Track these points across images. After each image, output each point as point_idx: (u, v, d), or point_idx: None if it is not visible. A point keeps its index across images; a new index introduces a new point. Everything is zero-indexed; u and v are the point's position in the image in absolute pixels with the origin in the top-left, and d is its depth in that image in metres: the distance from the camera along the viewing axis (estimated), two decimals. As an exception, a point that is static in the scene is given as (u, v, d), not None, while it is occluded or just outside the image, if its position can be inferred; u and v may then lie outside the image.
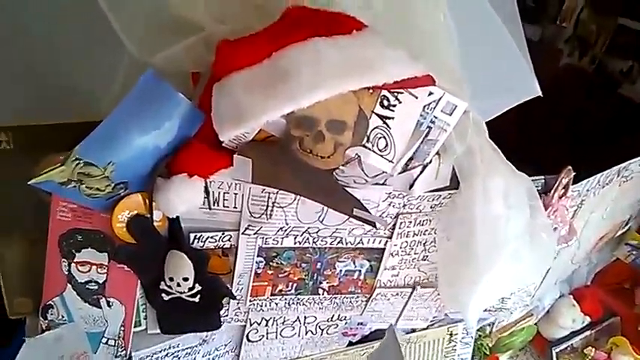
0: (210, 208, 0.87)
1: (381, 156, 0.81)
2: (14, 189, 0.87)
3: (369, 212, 0.85)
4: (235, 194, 0.86)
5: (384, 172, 0.83)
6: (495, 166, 0.90)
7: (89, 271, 0.89)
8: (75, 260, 0.88)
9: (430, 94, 0.82)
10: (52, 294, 0.90)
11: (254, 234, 0.89)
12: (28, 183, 0.75)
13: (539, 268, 1.10)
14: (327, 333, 1.09)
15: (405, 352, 1.18)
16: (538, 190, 1.41)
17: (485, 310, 1.18)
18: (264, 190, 0.86)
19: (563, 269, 1.82)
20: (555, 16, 3.27)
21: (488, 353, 1.73)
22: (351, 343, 1.15)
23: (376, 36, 0.78)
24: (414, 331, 1.17)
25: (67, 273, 0.89)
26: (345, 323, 1.08)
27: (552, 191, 1.35)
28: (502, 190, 0.90)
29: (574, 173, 1.35)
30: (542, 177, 1.40)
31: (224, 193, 0.86)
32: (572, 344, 2.00)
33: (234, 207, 0.87)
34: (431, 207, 0.94)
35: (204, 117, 0.81)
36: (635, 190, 1.77)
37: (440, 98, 0.82)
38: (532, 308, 1.95)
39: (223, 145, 0.82)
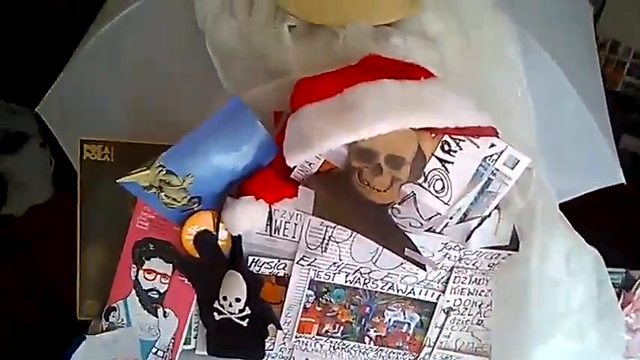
0: (271, 235, 0.92)
1: (437, 197, 0.83)
2: (106, 199, 0.99)
3: (421, 254, 0.85)
4: (296, 224, 0.91)
5: (438, 213, 0.84)
6: (558, 228, 0.88)
7: (154, 279, 0.96)
8: (143, 267, 0.96)
9: (492, 145, 0.84)
10: (117, 297, 0.98)
11: (307, 265, 0.92)
12: (117, 181, 0.85)
13: (607, 356, 1.00)
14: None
15: None
16: (618, 284, 1.33)
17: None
18: (322, 223, 0.90)
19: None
20: (665, 129, 3.16)
21: None
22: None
23: (444, 84, 0.83)
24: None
25: (134, 279, 0.96)
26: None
27: (635, 286, 1.27)
28: (563, 253, 0.87)
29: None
30: (624, 270, 1.32)
31: (285, 222, 0.91)
32: None
33: (293, 237, 0.92)
34: (489, 265, 0.92)
35: (278, 150, 0.88)
36: None
37: (502, 151, 0.84)
38: None
39: (291, 176, 0.89)
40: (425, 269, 0.87)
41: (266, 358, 1.01)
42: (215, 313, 0.95)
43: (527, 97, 1.03)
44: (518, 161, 0.85)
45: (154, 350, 0.98)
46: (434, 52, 0.96)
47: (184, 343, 0.99)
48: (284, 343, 1.00)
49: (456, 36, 1.00)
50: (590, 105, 1.30)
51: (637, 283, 1.25)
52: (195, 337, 0.99)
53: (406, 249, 0.86)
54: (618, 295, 1.25)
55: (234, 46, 1.01)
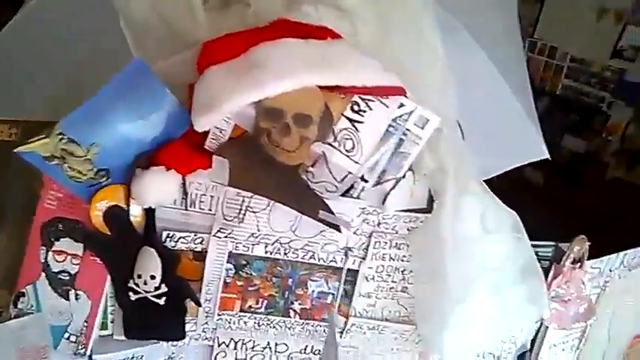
0: (186, 209, 0.90)
1: (348, 156, 0.83)
2: (13, 180, 0.94)
3: (335, 215, 0.84)
4: (212, 197, 0.89)
5: (350, 172, 0.83)
6: (472, 188, 0.89)
7: (64, 260, 0.92)
8: (53, 249, 0.92)
9: (402, 105, 0.84)
10: (26, 281, 0.93)
11: (225, 237, 0.90)
12: (14, 151, 0.81)
13: (531, 314, 1.01)
14: (300, 369, 1.03)
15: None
16: (549, 258, 1.35)
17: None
18: (238, 193, 0.88)
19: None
20: (600, 129, 3.29)
21: None
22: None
23: (350, 45, 0.84)
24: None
25: (43, 261, 0.92)
26: (319, 358, 1.02)
27: (564, 259, 1.29)
28: (478, 212, 0.88)
29: (589, 244, 1.29)
30: (554, 243, 1.34)
31: (201, 195, 0.89)
32: None
33: (209, 209, 0.89)
34: (408, 229, 0.92)
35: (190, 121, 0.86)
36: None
37: (412, 111, 0.85)
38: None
39: (205, 147, 0.87)
40: (340, 230, 0.86)
41: (189, 339, 0.97)
42: (130, 293, 0.91)
43: (447, 74, 1.05)
44: (428, 121, 0.85)
45: (66, 336, 0.93)
46: (347, 23, 0.96)
47: (101, 329, 0.94)
48: (206, 323, 0.96)
49: (372, 11, 1.01)
50: (515, 88, 1.34)
51: (566, 255, 1.28)
52: (112, 322, 0.95)
53: (320, 211, 0.85)
54: (549, 268, 1.28)
55: (148, 22, 0.99)
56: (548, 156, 1.32)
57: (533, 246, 1.34)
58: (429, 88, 0.99)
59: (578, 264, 1.31)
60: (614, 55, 3.09)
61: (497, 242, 0.90)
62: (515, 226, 0.94)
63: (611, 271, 1.39)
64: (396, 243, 0.93)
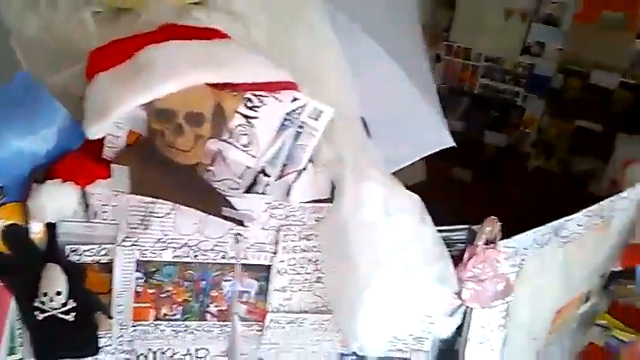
0: (88, 221, 0.88)
1: (245, 151, 0.84)
2: None
3: (236, 210, 0.86)
4: (114, 206, 0.88)
5: (248, 167, 0.85)
6: (372, 175, 0.92)
7: (-38, 285, 0.88)
8: (-50, 274, 0.87)
9: (295, 99, 0.87)
10: None
11: (131, 245, 0.89)
12: None
13: (442, 295, 1.05)
14: (225, 373, 1.02)
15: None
16: (463, 240, 1.41)
17: (399, 350, 1.11)
18: (141, 199, 0.87)
19: (523, 345, 1.72)
20: (518, 123, 3.45)
21: None
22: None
23: (239, 44, 0.86)
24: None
25: (-60, 291, 0.88)
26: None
27: (476, 239, 1.35)
28: (380, 197, 0.91)
29: (500, 224, 1.36)
30: (467, 226, 1.40)
31: (102, 205, 0.88)
32: None
33: (112, 219, 0.88)
34: (315, 220, 0.94)
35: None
36: (586, 260, 1.74)
37: (305, 104, 0.88)
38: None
39: (103, 156, 0.86)
40: (244, 225, 0.87)
41: (104, 354, 0.95)
42: (37, 313, 0.88)
43: (345, 70, 1.08)
44: (322, 112, 0.88)
45: (-29, 364, 0.89)
46: (239, 26, 0.98)
47: (10, 354, 0.91)
48: (121, 335, 0.95)
49: (264, 14, 1.04)
50: (418, 83, 1.40)
51: (478, 236, 1.34)
52: (22, 345, 0.91)
53: (223, 208, 0.85)
54: (463, 250, 1.33)
55: (40, 37, 0.99)
56: (453, 144, 1.39)
57: (448, 230, 1.40)
58: (327, 84, 1.02)
59: (492, 244, 1.38)
60: (523, 51, 3.26)
61: (401, 225, 0.93)
62: (418, 209, 0.97)
63: (525, 249, 1.47)
64: (305, 234, 0.95)
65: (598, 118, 3.04)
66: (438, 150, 1.38)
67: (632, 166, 1.86)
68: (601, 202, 1.65)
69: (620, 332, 1.95)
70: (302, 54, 1.03)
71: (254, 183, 0.89)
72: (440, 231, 1.36)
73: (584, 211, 1.60)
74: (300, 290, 0.99)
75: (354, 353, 1.07)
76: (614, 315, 1.98)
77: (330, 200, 0.94)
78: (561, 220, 1.52)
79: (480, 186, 3.56)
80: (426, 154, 1.36)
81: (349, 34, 1.20)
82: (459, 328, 1.59)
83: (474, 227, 1.38)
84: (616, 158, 2.79)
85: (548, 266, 1.58)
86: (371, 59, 1.26)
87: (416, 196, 1.00)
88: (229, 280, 0.95)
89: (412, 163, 3.58)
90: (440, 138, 1.36)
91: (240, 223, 0.87)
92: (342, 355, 1.07)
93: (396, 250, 0.93)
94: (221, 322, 0.98)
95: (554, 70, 3.16)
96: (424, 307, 1.04)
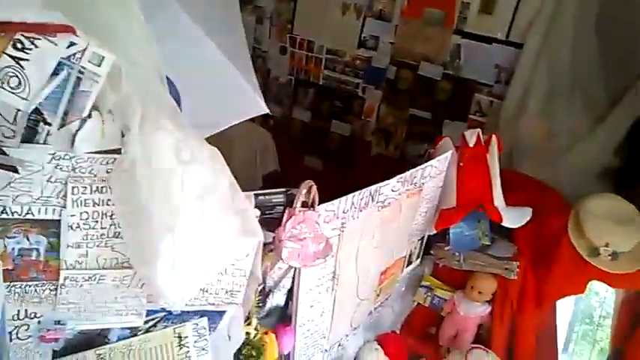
0: None
1: (14, 93, 0.81)
2: None
3: (7, 155, 0.82)
4: None
5: (18, 110, 0.82)
6: (163, 124, 0.93)
7: None
8: None
9: (73, 44, 0.85)
10: None
11: None
12: None
13: (245, 240, 1.09)
14: (19, 338, 0.97)
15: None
16: (282, 203, 1.48)
17: (211, 304, 1.13)
18: None
19: (351, 304, 1.83)
20: (360, 112, 3.68)
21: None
22: (56, 355, 1.02)
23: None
24: (135, 335, 1.07)
25: None
26: (39, 322, 0.97)
27: (295, 202, 1.43)
28: (172, 146, 0.92)
29: (312, 184, 1.44)
30: (285, 189, 1.47)
31: None
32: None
33: None
34: (107, 171, 0.93)
35: None
36: (403, 224, 1.90)
37: (85, 49, 0.86)
38: (336, 356, 1.91)
39: None
40: (17, 172, 0.84)
41: None
42: None
43: (141, 23, 1.07)
44: (104, 58, 0.88)
45: None
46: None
47: None
48: None
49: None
50: (230, 53, 1.44)
51: (296, 199, 1.42)
52: None
53: (-4, 156, 0.81)
54: (283, 212, 1.40)
55: None
56: (267, 111, 1.45)
57: (267, 194, 1.46)
58: (119, 34, 1.01)
59: (312, 207, 1.46)
60: (360, 45, 3.49)
61: (196, 173, 0.95)
62: (214, 158, 1.00)
63: (344, 212, 1.57)
64: (98, 187, 0.93)
65: (427, 107, 3.35)
66: (253, 116, 1.43)
67: (443, 140, 2.07)
68: (412, 170, 1.83)
69: (442, 291, 2.17)
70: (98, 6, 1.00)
71: (34, 132, 0.86)
72: (259, 194, 1.42)
73: (397, 177, 1.76)
74: (96, 246, 0.97)
75: (164, 309, 1.07)
76: (436, 276, 2.20)
77: (119, 151, 0.93)
78: (377, 186, 1.66)
79: (329, 173, 3.73)
80: (241, 120, 1.41)
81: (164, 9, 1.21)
82: (290, 292, 1.67)
83: (293, 191, 1.46)
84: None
85: (368, 229, 1.71)
86: (178, 26, 1.27)
87: (213, 148, 1.02)
88: (14, 237, 0.91)
89: (265, 153, 3.64)
90: (254, 105, 1.42)
91: (14, 169, 0.83)
92: (151, 311, 1.06)
93: (192, 199, 0.94)
94: (9, 283, 0.92)
95: (388, 62, 3.42)
96: (229, 259, 1.07)
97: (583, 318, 3.24)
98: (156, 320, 1.06)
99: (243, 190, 1.04)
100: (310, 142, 3.85)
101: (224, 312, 1.16)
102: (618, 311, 2.22)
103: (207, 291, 1.10)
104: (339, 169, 3.69)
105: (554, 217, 1.94)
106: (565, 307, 3.16)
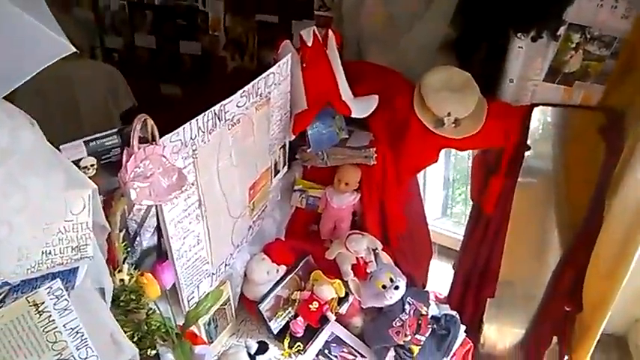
0: None
1: None
2: None
3: None
4: None
5: None
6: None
7: None
8: None
9: None
10: None
11: None
12: None
13: (74, 193, 1.03)
14: None
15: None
16: (118, 145, 1.40)
17: (60, 264, 1.08)
18: None
19: (227, 225, 1.84)
20: (207, 27, 3.48)
21: (178, 332, 1.66)
22: None
23: None
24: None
25: None
26: None
27: (130, 140, 1.35)
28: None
29: (147, 117, 1.36)
30: (116, 129, 1.39)
31: None
32: (277, 295, 2.05)
33: None
34: None
35: None
36: (259, 137, 1.89)
37: None
38: (225, 276, 1.94)
39: None
40: None
41: None
42: None
43: None
44: None
45: None
46: None
47: None
48: None
49: None
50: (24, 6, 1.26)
51: (131, 137, 1.35)
52: None
53: None
54: (121, 154, 1.33)
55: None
56: (74, 50, 1.32)
57: (98, 138, 1.37)
58: None
59: (153, 142, 1.39)
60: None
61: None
62: (15, 120, 0.92)
63: (192, 139, 1.52)
64: None
65: (272, 10, 3.24)
66: (60, 57, 1.30)
67: (283, 44, 2.03)
68: (253, 81, 1.79)
69: (314, 191, 2.24)
70: None
71: None
72: (89, 141, 1.34)
73: (240, 92, 1.72)
74: None
75: (6, 282, 1.01)
76: (306, 178, 2.27)
77: None
78: (220, 104, 1.61)
79: (189, 97, 3.57)
80: (47, 64, 1.27)
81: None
82: (160, 231, 1.63)
83: (125, 130, 1.38)
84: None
85: (223, 150, 1.68)
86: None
87: (12, 106, 0.93)
88: None
89: (115, 91, 3.39)
90: (59, 49, 1.28)
91: None
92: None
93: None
94: None
95: (224, -30, 3.24)
96: (59, 218, 1.01)
97: (453, 182, 3.56)
98: (2, 295, 1.00)
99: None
100: (162, 68, 3.64)
101: (77, 268, 1.12)
102: (473, 168, 2.45)
103: (50, 253, 1.04)
104: (199, 92, 3.56)
105: (400, 97, 2.03)
106: (436, 176, 3.45)
